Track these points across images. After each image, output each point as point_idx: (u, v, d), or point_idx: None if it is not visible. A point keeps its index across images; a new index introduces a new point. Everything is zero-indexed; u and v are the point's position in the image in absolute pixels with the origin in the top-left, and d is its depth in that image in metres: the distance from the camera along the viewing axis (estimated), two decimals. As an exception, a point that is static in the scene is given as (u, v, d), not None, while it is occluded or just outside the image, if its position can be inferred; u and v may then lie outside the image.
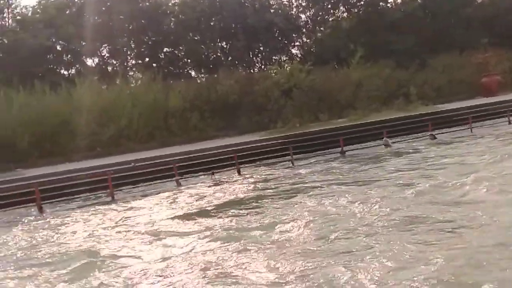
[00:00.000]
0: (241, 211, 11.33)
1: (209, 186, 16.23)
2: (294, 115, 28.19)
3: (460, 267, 6.45)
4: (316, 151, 20.33)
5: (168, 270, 7.76)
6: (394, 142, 20.03)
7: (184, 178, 17.92)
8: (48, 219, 14.03)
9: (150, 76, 31.66)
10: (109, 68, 39.38)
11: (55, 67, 37.03)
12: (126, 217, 12.62)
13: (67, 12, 37.87)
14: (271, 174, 16.86)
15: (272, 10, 39.10)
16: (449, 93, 30.81)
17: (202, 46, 38.85)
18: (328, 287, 6.35)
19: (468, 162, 13.76)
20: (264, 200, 12.30)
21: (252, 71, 38.60)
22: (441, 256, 6.78)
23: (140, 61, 39.08)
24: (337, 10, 41.60)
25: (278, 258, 7.61)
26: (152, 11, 37.58)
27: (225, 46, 39.73)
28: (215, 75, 33.64)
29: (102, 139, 26.95)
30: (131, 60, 40.10)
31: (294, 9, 41.47)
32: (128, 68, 39.06)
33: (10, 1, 38.27)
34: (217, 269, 7.50)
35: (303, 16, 41.58)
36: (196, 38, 38.78)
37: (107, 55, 39.77)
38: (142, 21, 37.95)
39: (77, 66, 37.51)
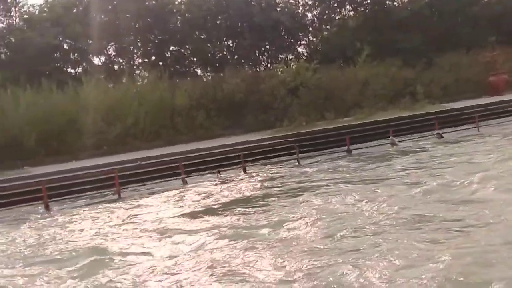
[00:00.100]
0: (248, 209, 11.34)
1: (216, 185, 16.26)
2: (300, 114, 28.16)
3: (468, 266, 6.42)
4: (322, 149, 20.28)
5: (175, 267, 7.77)
6: (400, 141, 19.98)
7: (190, 176, 17.92)
8: (55, 217, 14.09)
9: (156, 75, 31.69)
10: (116, 67, 39.47)
11: (62, 65, 37.14)
12: (133, 215, 12.65)
13: (74, 11, 37.98)
14: (278, 173, 16.85)
15: (278, 9, 39.02)
16: (456, 92, 30.69)
17: (208, 45, 38.84)
18: (336, 285, 6.34)
19: (475, 161, 13.72)
20: (271, 199, 12.30)
21: (258, 69, 38.57)
22: (449, 255, 6.75)
23: (146, 60, 39.13)
24: (343, 9, 41.48)
25: (286, 256, 7.60)
26: (159, 10, 37.61)
27: (231, 44, 39.71)
28: (221, 74, 33.63)
29: (109, 138, 27.02)
30: (137, 59, 40.18)
31: (300, 8, 41.39)
32: (134, 67, 39.14)
33: (17, 0, 38.44)
34: (225, 267, 7.50)
35: (309, 14, 41.51)
36: (202, 36, 38.78)
37: (113, 53, 39.86)
38: (149, 19, 37.98)
39: (84, 64, 37.61)
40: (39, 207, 15.99)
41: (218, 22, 38.49)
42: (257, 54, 40.00)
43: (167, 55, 39.54)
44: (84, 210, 14.58)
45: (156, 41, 38.93)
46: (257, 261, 7.60)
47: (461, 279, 6.10)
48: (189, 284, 7.01)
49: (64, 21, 35.74)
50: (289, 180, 14.89)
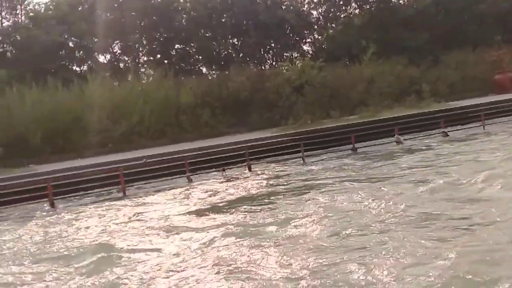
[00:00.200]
0: (253, 207, 11.35)
1: (221, 183, 16.28)
2: (306, 112, 28.10)
3: (475, 264, 6.42)
4: (327, 148, 20.27)
5: (182, 265, 7.79)
6: (406, 139, 19.96)
7: (195, 174, 17.94)
8: (61, 215, 14.13)
9: (161, 73, 31.70)
10: (121, 65, 39.52)
11: (67, 63, 37.21)
12: (139, 213, 12.68)
13: (79, 8, 38.03)
14: (283, 171, 16.85)
15: (283, 7, 38.94)
16: (462, 90, 30.59)
17: (214, 43, 38.83)
18: (343, 283, 6.34)
19: (481, 159, 13.69)
20: (277, 197, 12.32)
21: (263, 67, 38.56)
22: (456, 253, 6.75)
23: (151, 58, 39.14)
24: (349, 7, 41.39)
25: (292, 254, 7.61)
26: (164, 8, 37.60)
27: (236, 42, 39.67)
28: (227, 72, 33.60)
29: (114, 136, 27.05)
30: (142, 57, 40.21)
31: (306, 6, 41.31)
32: (139, 65, 39.18)
33: (23, -2, 38.58)
34: (231, 264, 7.52)
35: (314, 12, 41.46)
36: (207, 34, 38.78)
37: (119, 51, 39.90)
38: (154, 17, 37.99)
39: (89, 62, 37.66)
40: (45, 205, 16.03)
41: (223, 20, 38.46)
42: (262, 52, 39.96)
43: (172, 53, 39.54)
44: (89, 208, 14.61)
45: (162, 39, 38.94)
46: (263, 258, 7.61)
47: (468, 277, 6.09)
48: (195, 281, 7.03)
49: (69, 19, 35.80)
50: (294, 178, 14.88)
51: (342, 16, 41.13)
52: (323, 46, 39.45)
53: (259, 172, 17.27)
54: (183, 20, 38.25)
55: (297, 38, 40.36)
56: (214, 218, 10.75)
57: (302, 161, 18.53)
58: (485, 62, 32.31)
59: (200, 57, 39.74)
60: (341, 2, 40.89)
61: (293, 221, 9.46)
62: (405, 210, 9.09)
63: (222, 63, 37.74)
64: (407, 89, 29.94)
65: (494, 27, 35.72)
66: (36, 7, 38.70)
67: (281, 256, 7.58)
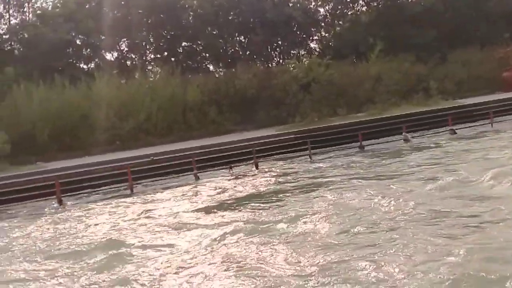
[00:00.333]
0: (262, 205, 11.36)
1: (229, 180, 16.30)
2: (313, 110, 28.08)
3: (485, 262, 6.38)
4: (334, 145, 20.26)
5: (192, 261, 7.81)
6: (413, 137, 19.90)
7: (202, 172, 17.95)
8: (69, 212, 14.19)
9: (168, 70, 31.78)
10: (128, 63, 39.61)
11: (74, 61, 37.32)
12: (147, 210, 12.72)
13: (86, 6, 38.11)
14: (290, 169, 16.84)
15: (290, 4, 38.87)
16: (470, 87, 30.44)
17: (220, 40, 38.86)
18: (352, 280, 6.32)
19: (490, 156, 13.61)
20: (285, 194, 12.32)
21: (270, 65, 38.54)
22: (466, 250, 6.71)
23: (158, 55, 39.21)
24: (356, 4, 41.31)
25: (301, 251, 7.60)
26: (171, 5, 37.59)
27: (243, 40, 39.66)
28: (233, 69, 33.64)
29: (121, 133, 27.14)
30: (149, 54, 40.30)
31: (313, 3, 41.21)
32: (146, 62, 39.25)
33: (30, -4, 38.70)
34: (240, 261, 7.52)
35: (321, 10, 41.37)
36: (214, 32, 38.77)
37: (126, 49, 40.00)
38: (161, 15, 38.02)
39: (97, 60, 37.76)
40: (53, 202, 16.11)
41: (230, 18, 38.45)
42: (269, 50, 39.94)
43: (179, 50, 39.58)
44: (98, 205, 14.67)
45: (168, 36, 38.98)
46: (272, 256, 7.61)
47: (479, 274, 6.05)
48: (205, 278, 7.03)
49: (76, 16, 35.89)
50: (302, 176, 14.87)
51: (349, 13, 41.05)
52: (330, 44, 39.37)
53: (266, 170, 17.26)
54: (190, 18, 38.26)
55: (304, 36, 40.31)
56: (223, 215, 10.77)
57: (309, 159, 18.51)
58: (493, 60, 32.16)
59: (207, 54, 39.77)
60: (348, 0, 40.78)
61: (302, 218, 9.45)
62: (415, 207, 9.06)
63: (229, 60, 37.73)
64: (414, 86, 29.87)
65: (502, 24, 35.48)
66: (44, 4, 38.95)
67: (290, 253, 7.57)
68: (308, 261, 7.19)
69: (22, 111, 26.96)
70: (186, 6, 38.40)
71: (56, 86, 28.68)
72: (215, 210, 11.49)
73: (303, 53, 38.22)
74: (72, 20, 35.56)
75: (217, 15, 37.63)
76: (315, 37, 41.28)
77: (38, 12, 37.71)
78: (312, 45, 41.01)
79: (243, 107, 29.62)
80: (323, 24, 41.30)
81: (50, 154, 25.08)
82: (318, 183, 13.24)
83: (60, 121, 26.97)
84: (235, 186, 14.74)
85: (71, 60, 36.87)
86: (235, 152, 19.48)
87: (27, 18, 38.63)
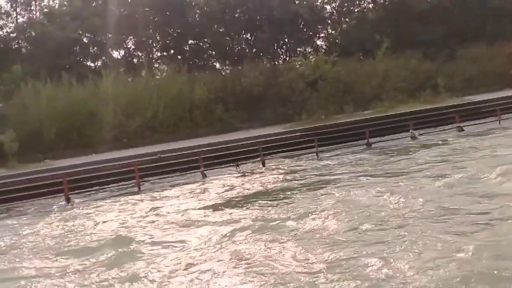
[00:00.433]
0: (270, 202, 11.36)
1: (236, 178, 16.31)
2: (319, 107, 28.08)
3: (494, 259, 6.35)
4: (341, 143, 20.25)
5: (201, 258, 7.82)
6: (421, 134, 19.85)
7: (209, 169, 17.96)
8: (77, 209, 14.25)
9: (175, 68, 31.86)
10: (135, 60, 39.72)
11: (81, 59, 37.49)
12: (155, 207, 12.75)
13: (93, 4, 38.28)
14: (297, 166, 16.84)
15: (297, 1, 38.85)
16: (479, 84, 30.35)
17: (227, 38, 38.89)
18: (361, 276, 6.30)
19: (498, 153, 13.57)
20: (292, 192, 12.32)
21: (276, 63, 38.58)
22: (475, 248, 6.67)
23: (165, 53, 39.30)
24: (362, 1, 41.31)
25: (310, 248, 7.59)
26: (177, 3, 37.65)
27: (249, 38, 39.70)
28: (240, 67, 33.67)
29: (128, 131, 27.24)
30: (156, 52, 40.40)
31: (319, 0, 41.22)
32: (153, 60, 39.38)
33: (37, -6, 38.84)
34: (249, 258, 7.52)
35: (328, 7, 41.38)
36: (220, 30, 38.83)
37: (132, 47, 40.11)
38: (167, 13, 38.09)
39: (103, 58, 37.90)
40: (60, 200, 16.17)
41: (236, 16, 38.48)
42: (275, 47, 39.95)
43: (185, 48, 39.67)
44: (106, 203, 14.72)
45: (175, 34, 39.06)
46: (281, 253, 7.60)
47: (488, 271, 6.02)
48: (214, 275, 7.04)
49: (83, 15, 36.04)
50: (309, 173, 14.87)
51: (356, 10, 41.01)
52: (337, 41, 39.35)
53: (273, 167, 17.27)
54: (196, 16, 38.34)
55: (311, 33, 40.29)
56: (231, 213, 10.78)
57: (316, 156, 18.49)
58: (501, 56, 32.01)
59: (214, 52, 39.82)
60: (355, -3, 40.75)
61: (310, 215, 9.44)
62: (423, 204, 9.03)
63: (236, 58, 37.78)
64: (422, 84, 29.76)
65: (511, 20, 35.26)
66: (51, 3, 39.19)
67: (299, 250, 7.56)
68: (316, 258, 7.18)
69: (30, 109, 27.10)
70: (193, 4, 38.50)
71: (63, 84, 28.81)
72: (223, 208, 11.50)
73: (309, 50, 38.33)
74: (79, 18, 35.72)
75: (223, 12, 37.67)
76: (322, 35, 41.29)
77: (45, 10, 37.93)
78: (319, 42, 41.11)
79: (249, 105, 29.64)
80: (329, 21, 41.30)
81: (57, 152, 25.21)
82: (325, 181, 13.23)
83: (67, 119, 27.08)
84: (242, 184, 14.75)
85: (78, 58, 37.05)
86: (241, 149, 19.48)
87: (34, 17, 38.84)
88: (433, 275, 6.02)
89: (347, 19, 40.86)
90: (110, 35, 36.97)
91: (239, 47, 39.41)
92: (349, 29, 39.05)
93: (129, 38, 39.28)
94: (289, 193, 12.24)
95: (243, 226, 9.35)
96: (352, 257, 7.00)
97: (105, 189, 17.24)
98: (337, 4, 40.83)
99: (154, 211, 12.32)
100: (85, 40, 37.52)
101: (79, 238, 10.23)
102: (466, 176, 10.98)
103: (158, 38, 39.53)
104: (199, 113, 29.23)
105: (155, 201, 13.86)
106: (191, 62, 36.80)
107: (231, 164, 18.47)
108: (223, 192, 13.79)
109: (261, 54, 38.62)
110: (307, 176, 14.38)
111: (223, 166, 18.50)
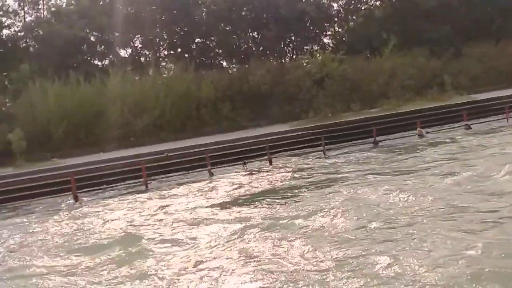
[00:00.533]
0: (278, 200, 11.37)
1: (243, 176, 16.31)
2: (326, 105, 28.06)
3: (503, 257, 6.34)
4: (348, 141, 20.20)
5: (210, 256, 7.86)
6: (428, 132, 19.79)
7: (216, 168, 17.99)
8: (86, 208, 14.31)
9: (182, 67, 31.91)
10: (142, 59, 39.82)
11: (89, 58, 37.61)
12: (163, 206, 12.79)
13: (100, 3, 38.38)
14: (305, 164, 16.83)
15: (303, -1, 38.84)
16: (486, 82, 30.20)
17: (234, 36, 38.90)
18: (371, 274, 6.32)
19: (507, 151, 13.50)
20: (300, 190, 12.32)
21: (283, 61, 38.55)
22: (485, 246, 6.67)
23: (172, 52, 39.35)
24: (369, -1, 41.14)
25: (318, 246, 7.61)
26: (184, 2, 37.71)
27: (256, 36, 39.67)
28: (247, 65, 33.68)
29: (135, 129, 27.32)
30: (163, 51, 40.46)
31: (326, -2, 41.11)
32: (160, 59, 39.46)
33: (45, -7, 38.99)
34: (258, 256, 7.55)
35: (335, 5, 41.25)
36: (227, 28, 38.83)
37: (139, 45, 40.24)
38: (174, 11, 38.15)
39: (111, 56, 38.02)
40: (68, 198, 16.25)
41: (243, 14, 38.48)
42: (282, 46, 39.92)
43: (192, 47, 39.72)
44: (113, 201, 14.78)
45: (182, 33, 39.12)
46: (289, 250, 7.63)
47: (497, 270, 6.02)
48: (223, 273, 7.07)
49: (90, 13, 36.15)
50: (317, 172, 14.85)
51: (362, 8, 40.85)
52: (344, 39, 39.25)
53: (280, 166, 17.27)
54: (203, 14, 38.34)
55: (317, 31, 40.23)
56: (239, 211, 10.80)
57: (323, 155, 18.47)
58: (508, 55, 31.89)
59: (220, 50, 39.86)
60: (362, -6, 40.64)
61: (318, 213, 9.46)
62: (432, 202, 9.03)
63: (242, 56, 37.79)
64: (429, 81, 29.69)
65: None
66: (58, 1, 39.33)
67: (307, 248, 7.58)
68: (325, 256, 7.20)
69: (37, 108, 27.23)
70: (199, 2, 38.52)
71: (70, 82, 28.92)
72: (232, 206, 11.53)
73: (316, 48, 38.27)
74: (86, 17, 35.84)
75: (230, 11, 37.67)
76: (329, 32, 41.21)
77: (53, 9, 38.08)
78: (326, 40, 41.04)
79: (256, 103, 29.67)
80: (336, 19, 41.20)
81: (65, 150, 25.32)
82: (333, 179, 13.22)
83: (75, 118, 27.19)
84: (250, 182, 14.76)
85: (85, 57, 37.18)
86: (248, 148, 19.49)
87: (42, 15, 38.97)
88: (442, 273, 6.03)
89: (354, 17, 40.72)
90: (117, 34, 37.05)
91: (245, 46, 39.40)
92: (356, 27, 38.94)
93: (136, 36, 39.38)
94: (296, 191, 12.24)
95: (251, 224, 9.38)
96: (361, 255, 7.01)
97: (113, 188, 17.30)
98: (344, 1, 40.72)
99: (162, 209, 12.36)
100: (92, 38, 37.64)
101: (88, 236, 10.30)
102: (475, 174, 10.94)
103: (165, 36, 39.59)
104: (206, 111, 29.29)
105: (163, 200, 13.91)
106: (198, 61, 36.83)
107: (238, 163, 18.47)
108: (231, 191, 13.81)
109: (268, 52, 38.60)
110: (314, 174, 14.37)
111: (230, 164, 18.49)
